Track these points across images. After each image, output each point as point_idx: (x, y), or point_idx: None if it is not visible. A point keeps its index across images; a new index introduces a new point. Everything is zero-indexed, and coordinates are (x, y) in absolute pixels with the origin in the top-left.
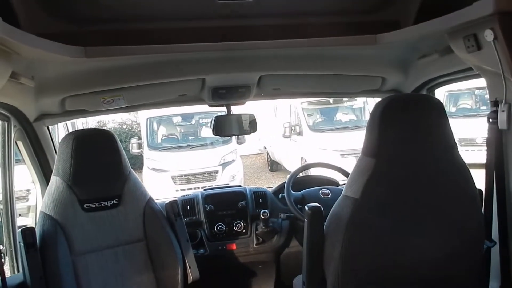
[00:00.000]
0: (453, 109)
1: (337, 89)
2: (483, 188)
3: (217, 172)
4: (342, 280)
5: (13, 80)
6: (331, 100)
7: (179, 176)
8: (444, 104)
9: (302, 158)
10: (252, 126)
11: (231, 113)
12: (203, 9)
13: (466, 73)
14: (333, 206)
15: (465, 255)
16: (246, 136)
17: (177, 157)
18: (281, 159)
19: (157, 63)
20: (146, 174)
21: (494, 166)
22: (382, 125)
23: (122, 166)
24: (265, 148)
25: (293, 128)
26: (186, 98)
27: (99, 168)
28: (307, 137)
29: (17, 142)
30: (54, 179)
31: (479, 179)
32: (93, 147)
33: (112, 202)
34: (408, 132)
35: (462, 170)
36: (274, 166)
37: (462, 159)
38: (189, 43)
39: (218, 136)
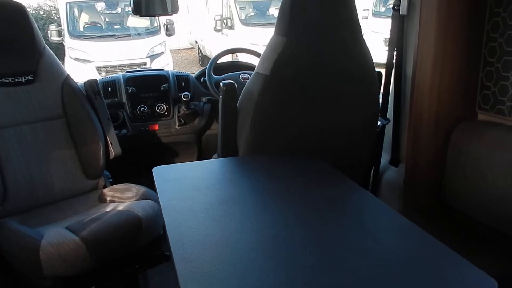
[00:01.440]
0: (383, 9)
1: None
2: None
3: (145, 64)
4: (252, 150)
5: None
6: None
7: (104, 67)
8: (374, 3)
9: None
10: (174, 6)
11: None
12: None
13: None
14: (246, 83)
15: (363, 130)
16: (177, 30)
17: (102, 47)
18: (212, 53)
19: None
20: (68, 64)
21: (396, 50)
22: (293, 5)
23: (35, 40)
24: (196, 43)
25: (224, 21)
26: None
27: (10, 41)
28: (238, 31)
29: None
30: None
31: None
32: (2, 19)
33: (27, 78)
34: (317, 13)
35: (364, 53)
36: (205, 61)
37: (365, 42)
38: None
39: (137, 15)
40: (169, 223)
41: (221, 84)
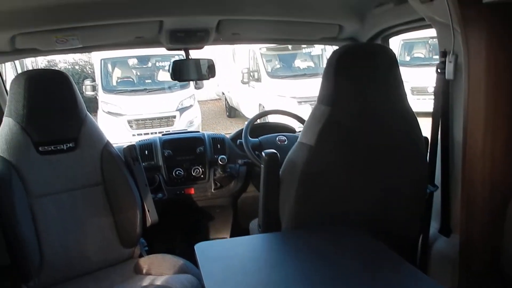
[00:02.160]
0: (407, 58)
1: (295, 36)
2: (429, 136)
3: (174, 117)
4: (296, 222)
5: None
6: (289, 47)
7: (135, 121)
8: (398, 53)
9: (260, 104)
10: (211, 71)
11: (190, 57)
12: None
13: (419, 23)
14: (289, 153)
15: (411, 196)
16: (204, 82)
17: (133, 100)
18: (239, 105)
19: (113, 2)
20: (101, 118)
21: (440, 115)
22: (337, 74)
23: (78, 108)
24: (223, 94)
25: (251, 74)
26: (143, 40)
27: (54, 109)
28: (265, 84)
29: None
30: (7, 121)
31: (428, 127)
32: (47, 87)
33: (69, 145)
34: (362, 81)
35: (411, 119)
36: (232, 112)
37: (411, 108)
38: None
39: (175, 81)
40: None
41: (263, 153)
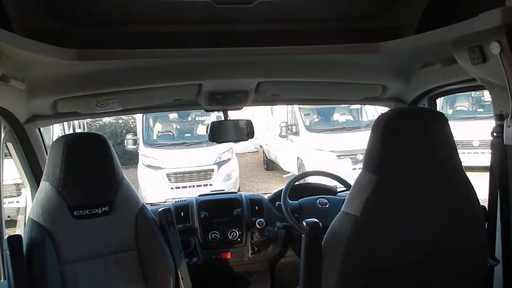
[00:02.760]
0: (450, 111)
1: (337, 97)
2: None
3: (212, 170)
4: None
5: (2, 83)
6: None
7: (174, 174)
8: (440, 106)
9: (298, 158)
10: (249, 132)
11: (228, 118)
12: (201, 13)
13: (469, 83)
14: (332, 222)
15: (469, 273)
16: None
17: (172, 154)
18: (277, 158)
19: (152, 67)
20: (141, 171)
21: (498, 183)
22: (384, 139)
23: (115, 172)
24: (261, 147)
25: (289, 127)
26: (182, 102)
27: (91, 174)
28: (303, 137)
29: (7, 143)
30: (44, 185)
31: (476, 182)
32: (84, 152)
33: (104, 209)
34: (412, 147)
35: (467, 187)
36: (270, 165)
37: (466, 175)
38: (186, 47)
39: (214, 142)
40: None
41: (304, 223)
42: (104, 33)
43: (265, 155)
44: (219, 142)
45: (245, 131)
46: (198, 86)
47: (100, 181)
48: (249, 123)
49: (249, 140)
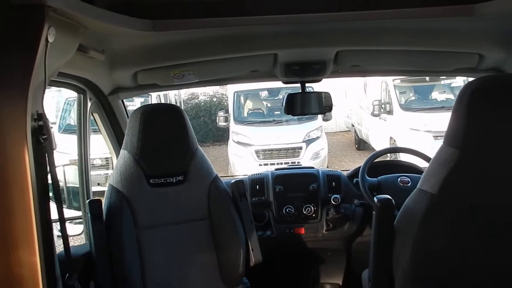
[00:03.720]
0: None
1: (425, 67)
2: None
3: (301, 148)
4: (411, 281)
5: (82, 54)
6: (427, 78)
7: (262, 151)
8: None
9: (391, 138)
10: (327, 105)
11: (305, 91)
12: None
13: None
14: (407, 200)
15: None
16: (334, 113)
17: (261, 131)
18: (368, 138)
19: (227, 37)
20: (231, 147)
21: None
22: (471, 110)
23: (189, 142)
24: (353, 126)
25: (383, 106)
26: (258, 74)
27: (166, 143)
28: (397, 116)
29: (93, 114)
30: (123, 153)
31: None
32: (161, 122)
33: (178, 178)
34: (506, 121)
35: None
36: (361, 144)
37: None
38: (261, 15)
39: (289, 114)
40: None
41: (375, 199)
42: (180, 2)
43: (357, 134)
44: (294, 114)
45: (323, 104)
46: (274, 56)
47: (175, 151)
48: (327, 96)
49: (341, 119)
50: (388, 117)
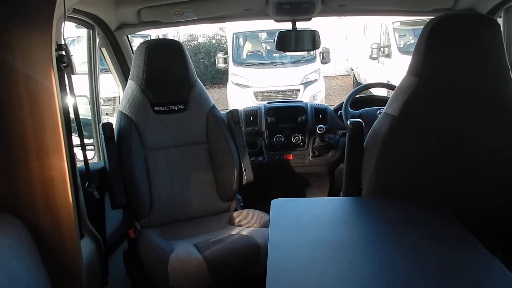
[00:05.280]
0: None
1: (406, 7)
2: None
3: (298, 90)
4: (374, 191)
5: None
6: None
7: (261, 93)
8: None
9: (388, 81)
10: (315, 42)
11: (296, 29)
12: None
13: None
14: (374, 123)
15: (505, 184)
16: (333, 57)
17: (260, 73)
18: (366, 81)
19: None
20: (230, 89)
21: None
22: (428, 44)
23: (189, 74)
24: (352, 70)
25: (381, 49)
26: (252, 12)
27: (168, 75)
28: (395, 60)
29: (101, 48)
30: (130, 83)
31: None
32: (163, 55)
33: (179, 107)
34: (456, 54)
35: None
36: None
37: None
38: None
39: (280, 51)
40: (270, 260)
41: (348, 122)
42: None
43: (355, 78)
44: (284, 51)
45: (311, 41)
46: None
47: (176, 82)
48: (315, 34)
49: (341, 62)
50: (386, 61)
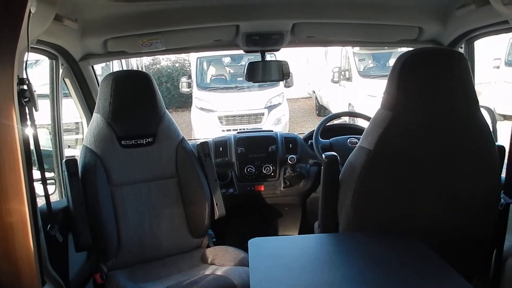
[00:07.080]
0: None
1: (372, 39)
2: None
3: (263, 114)
4: (352, 225)
5: (57, 22)
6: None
7: (225, 117)
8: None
9: (349, 104)
10: (285, 73)
11: (265, 59)
12: None
13: (505, 25)
14: (349, 156)
15: (481, 207)
16: (296, 80)
17: (224, 97)
18: (329, 104)
19: (193, 8)
20: (194, 113)
21: None
22: (401, 79)
23: (158, 106)
24: (314, 93)
25: (342, 73)
26: (222, 43)
27: (136, 107)
28: (356, 83)
29: (65, 79)
30: (95, 116)
31: None
32: (131, 87)
33: (148, 140)
34: (428, 87)
35: (481, 128)
36: (322, 111)
37: (483, 117)
38: None
39: (249, 81)
40: None
41: (323, 156)
42: None
43: (317, 100)
44: (254, 81)
45: (281, 72)
46: (236, 27)
47: (145, 115)
48: (285, 64)
49: (303, 85)
50: (347, 84)
